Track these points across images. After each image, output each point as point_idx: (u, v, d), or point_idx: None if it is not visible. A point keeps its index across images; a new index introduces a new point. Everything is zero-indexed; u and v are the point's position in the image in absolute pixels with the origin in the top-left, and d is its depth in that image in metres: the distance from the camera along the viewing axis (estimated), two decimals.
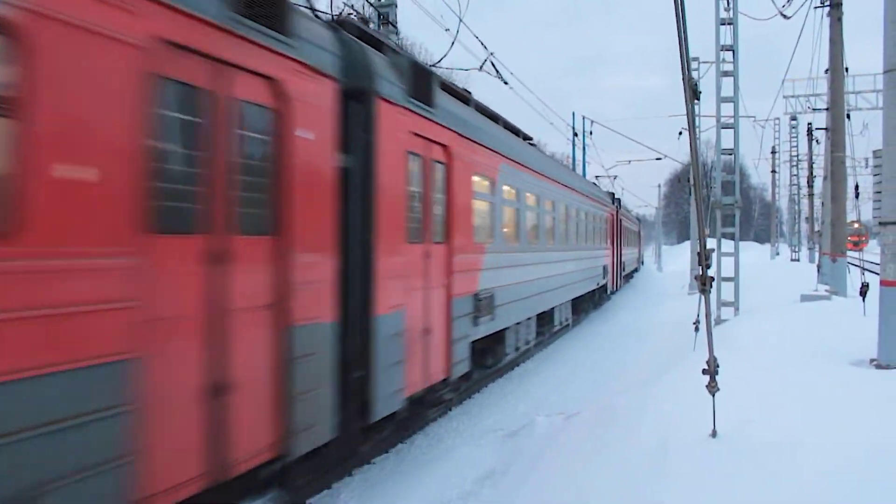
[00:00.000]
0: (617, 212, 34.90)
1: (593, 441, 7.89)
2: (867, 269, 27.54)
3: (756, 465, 5.75)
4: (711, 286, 6.53)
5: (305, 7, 9.33)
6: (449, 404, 11.86)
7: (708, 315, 6.85)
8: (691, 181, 35.77)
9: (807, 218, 52.81)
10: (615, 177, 50.73)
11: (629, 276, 47.41)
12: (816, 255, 35.43)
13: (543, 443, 9.09)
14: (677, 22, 5.09)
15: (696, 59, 30.01)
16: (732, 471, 5.72)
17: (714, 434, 6.35)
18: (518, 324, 15.01)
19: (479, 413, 12.19)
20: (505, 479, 8.37)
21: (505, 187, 13.49)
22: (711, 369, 6.45)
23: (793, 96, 40.17)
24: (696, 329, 12.98)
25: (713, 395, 6.42)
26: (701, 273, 6.34)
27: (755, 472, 5.64)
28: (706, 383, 6.47)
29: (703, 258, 6.20)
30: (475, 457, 9.61)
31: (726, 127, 18.89)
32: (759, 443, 6.11)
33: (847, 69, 22.61)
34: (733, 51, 18.43)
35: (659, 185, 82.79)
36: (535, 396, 13.28)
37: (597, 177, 47.01)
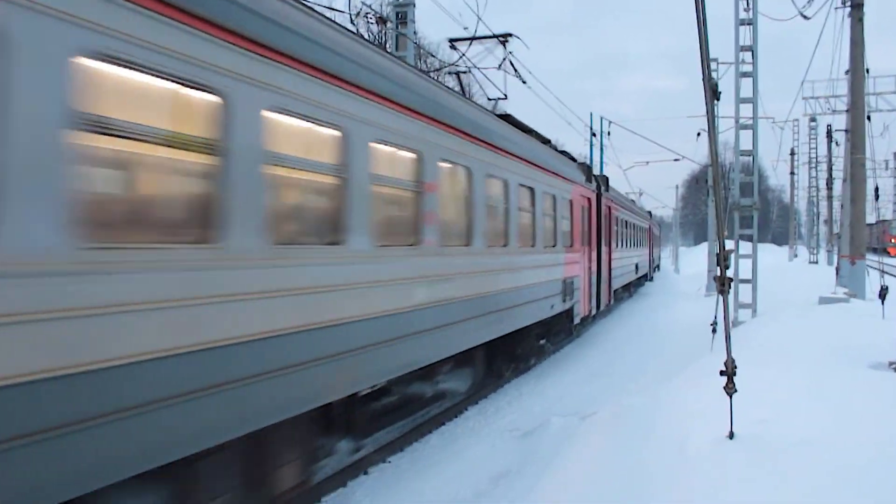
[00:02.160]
0: (599, 194, 22.09)
1: (609, 442, 7.87)
2: (886, 272, 27.32)
3: (773, 466, 5.72)
4: (730, 287, 6.50)
5: (324, 7, 9.32)
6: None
7: (726, 316, 6.82)
8: (710, 182, 35.58)
9: (825, 220, 52.45)
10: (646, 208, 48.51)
11: (633, 285, 36.74)
12: (835, 257, 35.17)
13: (558, 443, 9.08)
14: (698, 22, 5.07)
15: (714, 59, 29.89)
16: (750, 472, 5.69)
17: (731, 435, 6.32)
18: None
19: (494, 413, 12.19)
20: (519, 479, 8.37)
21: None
22: (729, 370, 6.42)
23: (812, 98, 39.87)
24: (714, 330, 12.93)
25: (731, 397, 6.39)
26: (720, 274, 6.32)
27: (772, 474, 5.61)
28: (724, 384, 6.44)
29: (721, 259, 6.18)
30: (490, 456, 9.62)
31: (745, 128, 18.81)
32: (776, 444, 6.08)
33: (868, 70, 22.43)
34: (752, 52, 18.35)
35: (676, 187, 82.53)
36: (550, 397, 13.27)
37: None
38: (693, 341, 15.68)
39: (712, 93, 5.11)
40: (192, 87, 5.26)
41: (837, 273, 22.68)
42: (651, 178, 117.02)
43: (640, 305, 32.08)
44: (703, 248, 50.86)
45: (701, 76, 5.09)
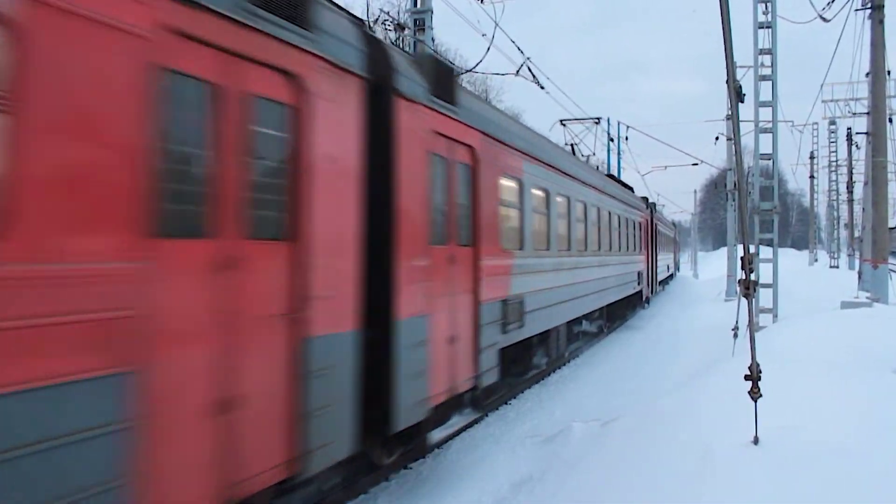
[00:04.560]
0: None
1: (632, 448, 7.82)
2: None
3: (799, 472, 5.67)
4: (755, 290, 6.45)
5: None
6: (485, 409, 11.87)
7: (751, 319, 6.77)
8: (728, 186, 35.41)
9: (846, 224, 52.08)
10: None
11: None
12: (857, 261, 34.90)
13: (580, 449, 9.03)
14: (723, 24, 5.04)
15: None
16: (775, 477, 5.64)
17: (756, 441, 6.27)
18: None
19: (515, 419, 12.15)
20: (541, 486, 8.32)
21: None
22: (754, 375, 6.36)
23: (832, 101, 39.65)
24: (735, 335, 12.84)
25: (756, 402, 6.34)
26: (745, 277, 6.27)
27: (798, 479, 5.56)
28: (748, 389, 6.39)
29: (746, 262, 6.13)
30: (511, 463, 9.58)
31: (765, 132, 18.68)
32: (802, 450, 6.03)
33: (889, 72, 22.29)
34: (772, 55, 18.22)
35: (695, 191, 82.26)
36: (571, 402, 13.22)
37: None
38: (714, 346, 15.57)
39: (736, 95, 5.08)
40: None
41: (860, 277, 22.48)
42: (669, 183, 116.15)
43: (662, 310, 31.92)
44: (722, 252, 50.64)
45: (725, 78, 5.06)
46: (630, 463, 7.35)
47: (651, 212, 33.86)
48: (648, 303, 32.60)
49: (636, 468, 7.07)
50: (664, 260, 44.06)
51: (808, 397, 7.58)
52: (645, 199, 33.81)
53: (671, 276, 53.71)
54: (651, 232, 33.10)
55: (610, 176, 27.11)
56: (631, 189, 30.79)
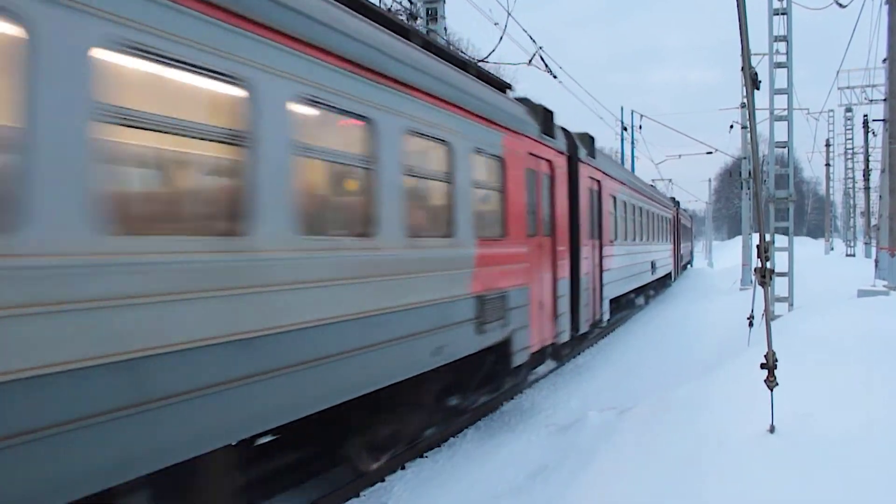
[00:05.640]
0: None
1: (647, 437, 7.82)
2: None
3: (816, 460, 5.66)
4: (772, 279, 6.44)
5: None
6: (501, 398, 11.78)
7: (767, 308, 6.76)
8: (743, 174, 35.18)
9: (862, 212, 51.73)
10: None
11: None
12: (873, 249, 34.63)
13: (596, 438, 9.04)
14: (738, 11, 5.02)
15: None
16: (791, 466, 5.64)
17: (772, 429, 6.27)
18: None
19: (530, 408, 12.17)
20: (556, 475, 8.33)
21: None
22: (770, 363, 6.35)
23: (848, 87, 39.39)
24: (751, 324, 12.79)
25: (772, 390, 6.33)
26: (760, 266, 6.25)
27: (815, 467, 5.55)
28: (764, 378, 6.38)
29: (762, 250, 6.11)
30: (527, 452, 9.60)
31: (780, 119, 18.56)
32: (818, 439, 6.03)
33: None
34: (787, 42, 18.09)
35: (709, 180, 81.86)
36: (587, 391, 13.22)
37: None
38: (729, 336, 15.53)
39: (752, 82, 5.06)
40: None
41: (876, 265, 22.35)
42: (683, 172, 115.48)
43: (676, 296, 31.81)
44: (737, 241, 50.43)
45: (740, 66, 5.05)
46: (646, 452, 7.35)
47: (574, 149, 14.70)
48: (559, 359, 15.16)
49: (652, 457, 7.08)
50: (643, 255, 25.98)
51: (824, 386, 7.57)
52: (547, 113, 12.76)
53: (669, 276, 36.81)
54: (578, 197, 14.63)
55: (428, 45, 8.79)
56: (506, 87, 11.76)
